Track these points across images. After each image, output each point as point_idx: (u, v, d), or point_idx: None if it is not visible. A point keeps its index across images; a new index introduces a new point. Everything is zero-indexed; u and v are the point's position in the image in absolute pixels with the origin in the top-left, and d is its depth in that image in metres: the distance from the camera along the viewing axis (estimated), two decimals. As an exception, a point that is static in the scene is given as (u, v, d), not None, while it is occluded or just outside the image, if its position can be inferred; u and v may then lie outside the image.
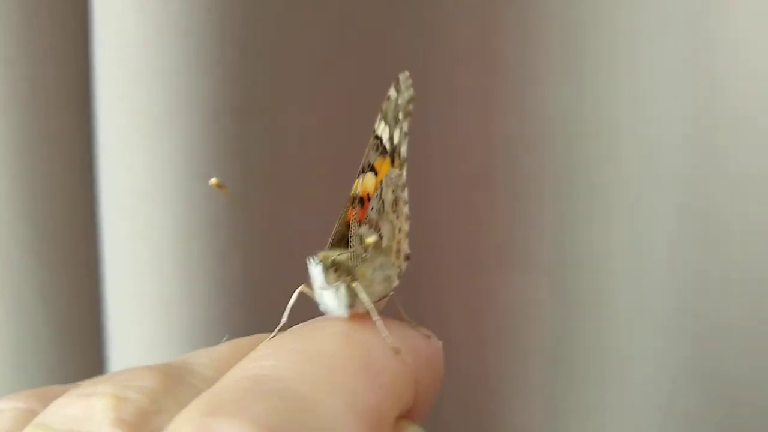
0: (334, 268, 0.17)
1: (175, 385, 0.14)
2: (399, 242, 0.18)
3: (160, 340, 0.27)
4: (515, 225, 0.31)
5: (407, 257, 0.18)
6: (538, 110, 0.30)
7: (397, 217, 0.18)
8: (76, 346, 0.29)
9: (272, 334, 0.16)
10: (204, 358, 0.15)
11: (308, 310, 0.17)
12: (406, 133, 0.19)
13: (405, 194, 0.18)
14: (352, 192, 0.18)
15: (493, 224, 0.31)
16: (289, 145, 0.27)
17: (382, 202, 0.18)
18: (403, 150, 0.19)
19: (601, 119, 0.30)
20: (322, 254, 0.17)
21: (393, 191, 0.18)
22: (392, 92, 0.19)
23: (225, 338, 0.16)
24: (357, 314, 0.17)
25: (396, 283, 0.18)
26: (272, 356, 0.14)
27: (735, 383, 0.30)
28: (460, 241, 0.31)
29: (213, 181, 0.17)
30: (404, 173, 0.18)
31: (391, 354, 0.15)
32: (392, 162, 0.19)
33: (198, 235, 0.26)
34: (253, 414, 0.12)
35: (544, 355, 0.32)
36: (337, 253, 0.17)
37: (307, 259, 0.17)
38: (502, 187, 0.31)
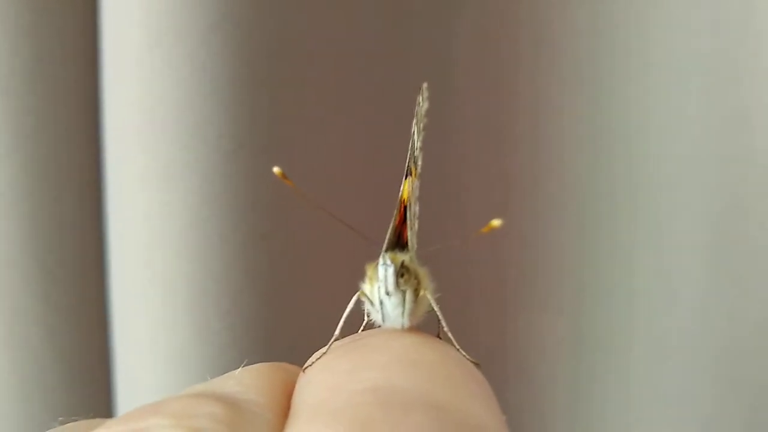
0: (403, 271, 0.16)
1: (239, 411, 0.13)
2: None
3: (171, 386, 0.26)
4: (535, 264, 0.31)
5: None
6: (561, 141, 0.30)
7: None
8: (86, 392, 0.29)
9: (325, 349, 0.15)
10: (237, 384, 0.14)
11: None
12: (420, 147, 0.18)
13: (417, 208, 0.18)
14: (401, 196, 0.17)
15: (513, 263, 0.31)
16: (310, 182, 0.27)
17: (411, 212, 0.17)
18: (419, 163, 0.18)
19: (621, 156, 0.30)
20: (390, 254, 0.16)
21: (414, 202, 0.17)
22: (419, 99, 0.18)
23: (244, 363, 0.15)
24: (411, 328, 0.16)
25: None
26: (370, 369, 0.13)
27: None
28: (480, 277, 0.31)
29: (276, 170, 0.16)
30: (419, 185, 0.18)
31: (474, 366, 0.14)
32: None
33: (212, 277, 0.26)
34: (416, 426, 0.12)
35: (564, 395, 0.31)
36: (402, 256, 0.16)
37: (380, 259, 0.16)
38: (520, 227, 0.31)
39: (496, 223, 0.15)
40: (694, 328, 0.30)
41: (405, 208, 0.17)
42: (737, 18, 0.28)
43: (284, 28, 0.26)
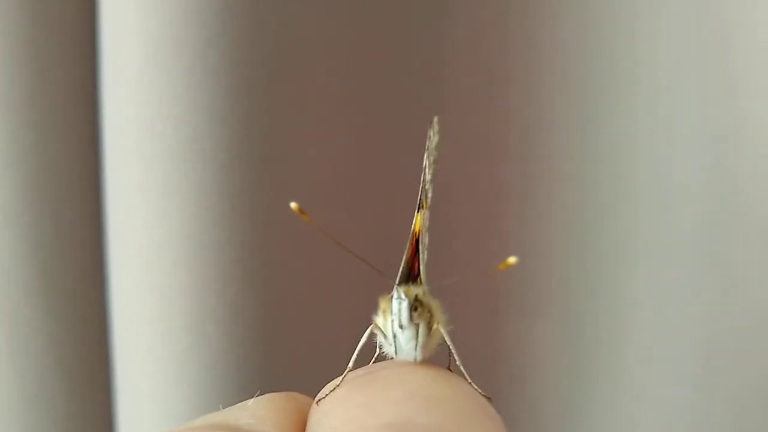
0: (417, 305, 0.16)
1: None
2: None
3: (170, 395, 0.27)
4: (527, 271, 0.31)
5: None
6: (550, 153, 0.30)
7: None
8: (86, 401, 0.29)
9: (339, 380, 0.15)
10: (250, 416, 0.14)
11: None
12: (431, 180, 0.18)
13: (427, 239, 0.18)
14: (413, 228, 0.17)
15: (504, 272, 0.31)
16: (302, 195, 0.27)
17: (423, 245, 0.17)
18: (429, 195, 0.18)
19: (615, 163, 0.30)
20: (404, 288, 0.16)
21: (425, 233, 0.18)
22: (430, 133, 0.19)
23: (257, 394, 0.15)
24: (424, 361, 0.16)
25: None
26: (385, 403, 0.13)
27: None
28: (472, 287, 0.31)
29: (294, 205, 0.16)
30: (428, 216, 0.18)
31: (486, 400, 0.15)
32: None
33: (209, 286, 0.26)
34: None
35: (556, 402, 0.31)
36: (415, 289, 0.16)
37: (393, 293, 0.16)
38: (512, 232, 0.31)
39: (512, 260, 0.15)
40: (687, 336, 0.30)
41: (417, 240, 0.17)
42: (726, 29, 0.28)
43: (280, 43, 0.26)
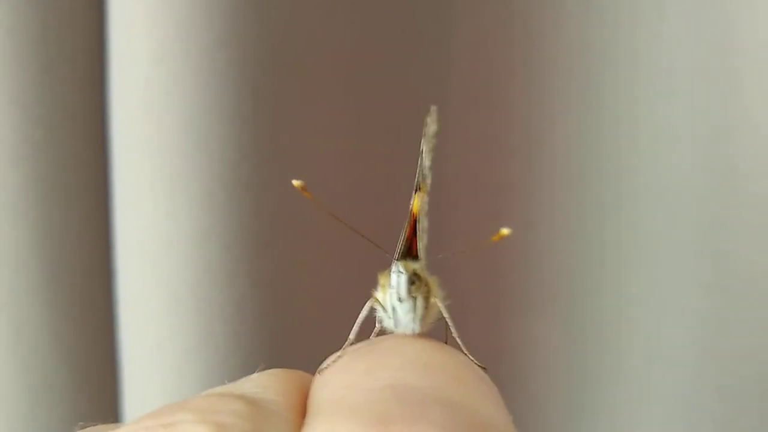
0: (415, 279, 0.16)
1: (259, 408, 0.13)
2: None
3: (177, 390, 0.27)
4: (529, 269, 0.31)
5: None
6: (553, 151, 0.30)
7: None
8: (93, 396, 0.29)
9: (340, 352, 0.16)
10: (254, 386, 0.14)
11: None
12: (430, 167, 0.19)
13: (426, 223, 0.18)
14: (411, 208, 0.18)
15: (508, 268, 0.31)
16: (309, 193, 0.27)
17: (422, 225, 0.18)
18: (429, 181, 0.19)
19: (618, 161, 0.30)
20: (402, 263, 0.16)
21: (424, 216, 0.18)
22: (427, 120, 0.19)
23: (260, 367, 0.15)
24: (421, 334, 0.16)
25: None
26: (385, 369, 0.14)
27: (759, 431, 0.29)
28: (475, 285, 0.31)
29: (296, 183, 0.17)
30: (427, 201, 0.18)
31: (482, 370, 0.15)
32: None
33: (216, 285, 0.26)
34: (435, 422, 0.12)
35: (559, 400, 0.32)
36: (413, 264, 0.17)
37: (392, 267, 0.16)
38: (516, 231, 0.31)
39: (505, 231, 0.16)
40: (689, 334, 0.31)
41: (415, 221, 0.17)
42: (724, 33, 0.28)
43: (288, 43, 0.26)
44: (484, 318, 0.31)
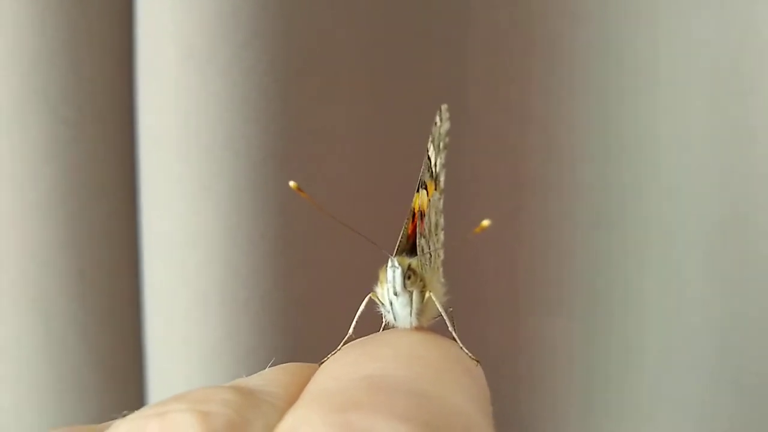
0: (410, 273, 0.17)
1: (251, 398, 0.14)
2: (438, 267, 0.18)
3: (202, 384, 0.27)
4: (548, 268, 0.32)
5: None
6: (571, 150, 0.31)
7: (437, 242, 0.18)
8: (120, 390, 0.29)
9: (339, 347, 0.16)
10: (260, 379, 0.15)
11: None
12: (443, 165, 0.19)
13: (442, 221, 0.19)
14: (412, 206, 0.18)
15: (527, 267, 0.32)
16: (333, 193, 0.28)
17: (429, 222, 0.18)
18: (442, 179, 0.19)
19: (636, 161, 0.31)
20: (398, 258, 0.17)
21: (435, 213, 0.18)
22: (437, 119, 0.19)
23: (271, 362, 0.16)
24: (420, 327, 0.17)
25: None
26: (372, 360, 0.14)
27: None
28: (494, 284, 0.31)
29: (292, 184, 0.17)
30: (442, 199, 0.19)
31: (474, 363, 0.15)
32: (435, 186, 0.19)
33: (241, 281, 0.27)
34: (397, 410, 0.12)
35: (576, 398, 0.32)
36: (409, 260, 0.17)
37: (388, 262, 0.17)
38: (533, 232, 0.31)
39: (485, 223, 0.16)
40: (703, 333, 0.31)
41: (416, 217, 0.18)
42: (741, 33, 0.28)
43: (313, 44, 0.27)
44: (503, 316, 0.32)
